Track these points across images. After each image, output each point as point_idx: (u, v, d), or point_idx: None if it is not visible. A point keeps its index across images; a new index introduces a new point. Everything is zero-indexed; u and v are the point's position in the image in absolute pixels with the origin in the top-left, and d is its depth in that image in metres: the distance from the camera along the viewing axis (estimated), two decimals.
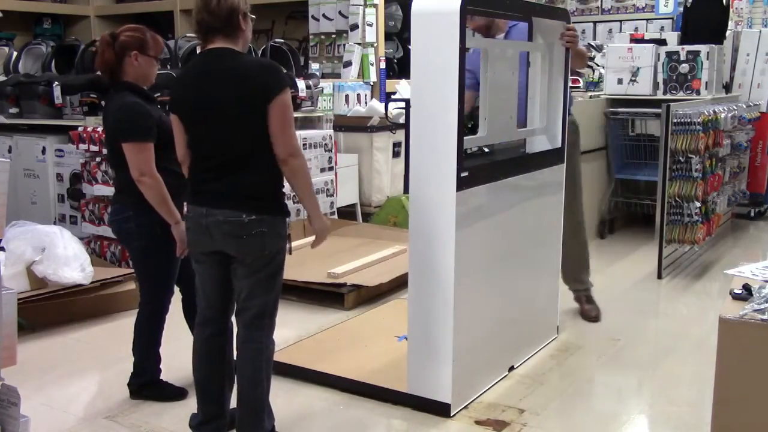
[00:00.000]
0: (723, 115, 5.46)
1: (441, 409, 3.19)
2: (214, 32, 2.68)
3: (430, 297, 3.13)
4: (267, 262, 2.76)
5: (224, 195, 2.71)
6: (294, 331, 4.22)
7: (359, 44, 7.40)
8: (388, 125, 6.61)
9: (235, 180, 2.70)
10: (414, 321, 3.21)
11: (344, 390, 3.43)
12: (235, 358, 2.88)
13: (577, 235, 4.33)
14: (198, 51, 2.85)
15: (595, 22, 10.26)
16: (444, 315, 3.12)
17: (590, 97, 6.84)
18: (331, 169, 6.38)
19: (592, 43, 8.96)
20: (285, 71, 2.71)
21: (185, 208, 2.87)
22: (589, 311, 4.44)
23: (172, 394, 3.42)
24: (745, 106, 6.30)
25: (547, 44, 3.85)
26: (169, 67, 5.39)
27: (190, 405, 3.36)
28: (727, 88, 6.83)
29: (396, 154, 6.83)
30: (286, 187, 2.81)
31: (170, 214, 3.17)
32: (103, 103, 5.34)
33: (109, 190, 5.09)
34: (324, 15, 7.70)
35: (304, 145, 6.12)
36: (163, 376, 3.47)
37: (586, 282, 4.50)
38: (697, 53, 6.08)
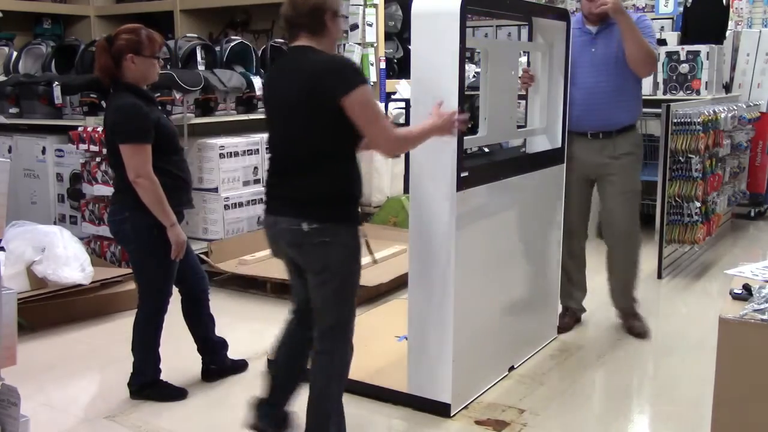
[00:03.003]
0: (723, 115, 5.46)
1: (441, 409, 3.19)
2: (298, 28, 2.62)
3: (430, 297, 3.13)
4: (335, 273, 2.63)
5: (287, 201, 2.63)
6: None
7: (359, 44, 7.40)
8: None
9: (297, 185, 2.60)
10: (414, 321, 3.21)
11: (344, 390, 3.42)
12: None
13: (633, 244, 4.19)
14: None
15: None
16: (444, 315, 3.12)
17: None
18: None
19: None
20: (357, 67, 2.63)
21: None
22: (637, 327, 4.20)
23: (172, 394, 3.42)
24: (745, 106, 6.30)
25: (547, 44, 3.85)
26: (169, 67, 5.38)
27: (190, 405, 3.37)
28: (727, 88, 6.83)
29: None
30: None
31: (166, 217, 3.17)
32: (103, 103, 5.35)
33: (109, 190, 5.09)
34: None
35: None
36: (163, 376, 3.47)
37: (635, 298, 4.29)
38: (697, 53, 6.08)
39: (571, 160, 4.06)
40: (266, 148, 2.79)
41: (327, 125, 2.55)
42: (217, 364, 3.62)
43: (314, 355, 2.75)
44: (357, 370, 3.45)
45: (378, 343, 3.89)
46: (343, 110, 2.51)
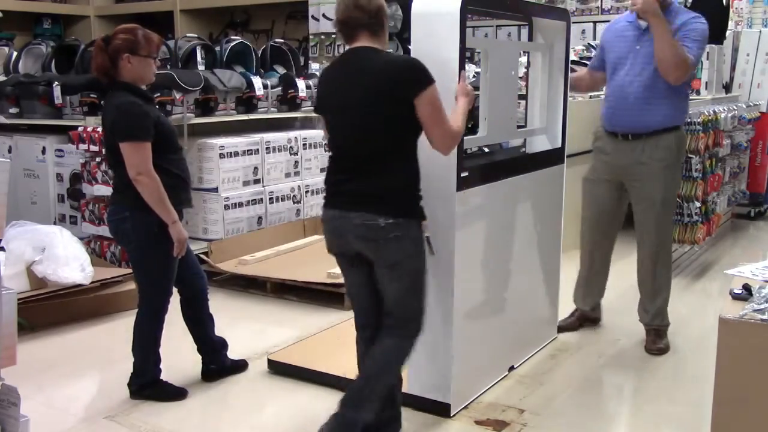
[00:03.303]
0: (723, 115, 5.47)
1: (441, 409, 3.19)
2: (361, 29, 2.67)
3: (431, 297, 3.13)
4: (407, 267, 2.70)
5: (360, 196, 2.67)
6: (294, 331, 4.23)
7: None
8: None
9: (372, 181, 2.66)
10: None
11: (344, 390, 3.41)
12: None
13: (660, 258, 3.99)
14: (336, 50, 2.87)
15: (595, 22, 10.24)
16: (444, 315, 3.12)
17: (590, 97, 6.83)
18: None
19: (592, 43, 8.96)
20: (425, 67, 2.68)
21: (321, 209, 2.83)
22: (653, 343, 4.00)
23: (172, 394, 3.42)
24: (745, 106, 6.30)
25: (547, 44, 3.85)
26: (169, 67, 5.38)
27: (190, 405, 3.37)
28: (727, 88, 6.83)
29: None
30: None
31: (167, 214, 3.18)
32: (103, 103, 5.35)
33: (109, 190, 5.08)
34: (324, 15, 7.70)
35: (304, 145, 6.13)
36: (163, 376, 3.47)
37: (665, 316, 4.08)
38: None
39: (599, 159, 4.01)
40: (325, 145, 2.81)
41: (400, 124, 2.64)
42: (217, 363, 3.62)
43: (383, 339, 2.78)
44: (354, 371, 3.45)
45: None
46: (414, 109, 2.60)
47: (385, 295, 2.76)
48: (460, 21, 2.93)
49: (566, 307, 4.40)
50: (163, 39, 3.50)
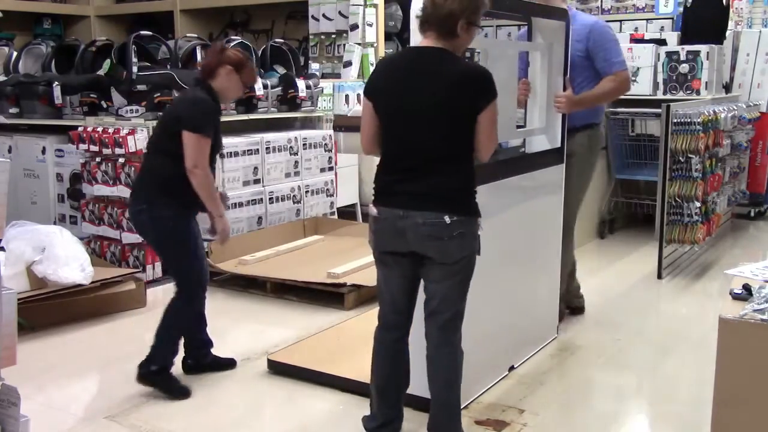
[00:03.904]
0: (723, 115, 5.46)
1: (418, 405, 3.17)
2: (429, 26, 2.67)
3: None
4: (464, 264, 2.75)
5: (424, 196, 2.69)
6: (294, 331, 4.23)
7: (359, 44, 7.41)
8: None
9: (437, 181, 2.68)
10: (414, 322, 3.20)
11: (344, 390, 3.43)
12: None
13: (565, 237, 4.13)
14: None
15: None
16: None
17: None
18: (331, 169, 6.38)
19: None
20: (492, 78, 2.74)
21: (370, 209, 2.80)
22: (575, 302, 4.40)
23: (176, 390, 3.43)
24: (745, 106, 6.30)
25: (546, 44, 3.85)
26: (169, 67, 5.38)
27: (190, 405, 3.37)
28: (727, 88, 6.83)
29: None
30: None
31: (215, 207, 3.36)
32: (103, 103, 5.35)
33: (109, 190, 5.10)
34: (324, 15, 7.71)
35: (304, 145, 6.13)
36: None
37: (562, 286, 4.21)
38: (697, 53, 6.08)
39: None
40: (379, 143, 2.78)
41: (464, 129, 2.68)
42: (194, 359, 3.64)
43: (436, 349, 2.80)
44: (358, 371, 3.47)
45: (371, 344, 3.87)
46: (477, 118, 2.65)
47: (434, 293, 2.78)
48: None
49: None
50: (255, 77, 3.77)
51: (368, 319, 4.32)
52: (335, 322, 4.31)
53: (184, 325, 3.49)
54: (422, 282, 2.82)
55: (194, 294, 3.48)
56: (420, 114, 2.67)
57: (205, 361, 3.66)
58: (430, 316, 2.80)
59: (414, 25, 2.79)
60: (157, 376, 3.41)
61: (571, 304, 4.40)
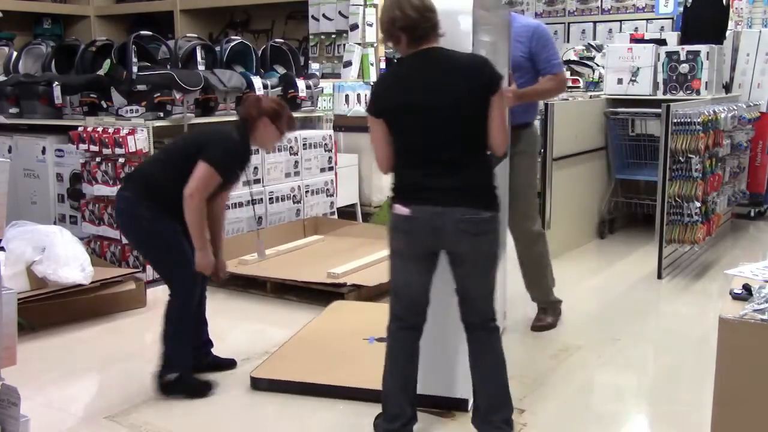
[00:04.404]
0: (723, 115, 5.46)
1: (456, 406, 3.20)
2: (425, 31, 2.73)
3: (442, 294, 3.09)
4: (495, 258, 2.82)
5: (460, 191, 2.72)
6: (294, 331, 4.22)
7: (359, 44, 7.41)
8: None
9: (468, 176, 2.73)
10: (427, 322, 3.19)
11: (345, 398, 3.36)
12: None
13: (536, 244, 4.18)
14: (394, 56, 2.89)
15: (595, 22, 10.26)
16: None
17: (590, 97, 6.85)
18: (331, 169, 6.38)
19: (592, 43, 8.97)
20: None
21: (396, 209, 2.79)
22: (537, 320, 4.24)
23: (201, 388, 3.45)
24: (745, 106, 6.30)
25: (491, 41, 3.84)
26: (169, 67, 5.38)
27: (190, 405, 3.37)
28: (727, 88, 6.83)
29: None
30: None
31: (199, 238, 3.30)
32: (103, 103, 5.35)
33: (109, 190, 5.10)
34: (324, 15, 7.71)
35: (304, 145, 6.13)
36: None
37: (544, 293, 4.28)
38: (697, 53, 6.08)
39: None
40: (399, 142, 2.79)
41: (484, 119, 2.73)
42: (195, 359, 3.57)
43: (483, 346, 2.87)
44: (354, 377, 3.43)
45: (353, 346, 3.82)
46: (490, 103, 2.72)
47: (468, 291, 2.82)
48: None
49: (567, 307, 4.39)
50: (295, 123, 3.74)
51: (321, 325, 4.20)
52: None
53: (186, 326, 3.46)
54: (454, 279, 2.85)
55: (186, 294, 3.42)
56: (446, 110, 2.71)
57: (206, 361, 3.66)
58: (468, 310, 2.86)
59: (400, 39, 2.76)
60: (179, 384, 3.39)
61: (545, 302, 4.31)
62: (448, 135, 2.72)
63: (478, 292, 2.84)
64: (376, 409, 3.00)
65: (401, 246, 2.82)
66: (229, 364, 3.72)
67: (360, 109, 7.00)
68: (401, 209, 2.76)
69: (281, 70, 6.30)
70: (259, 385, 3.49)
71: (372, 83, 2.90)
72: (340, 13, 7.58)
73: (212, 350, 3.72)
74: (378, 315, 4.28)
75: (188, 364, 3.44)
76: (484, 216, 2.72)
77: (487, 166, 2.79)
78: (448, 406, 3.21)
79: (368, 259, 5.17)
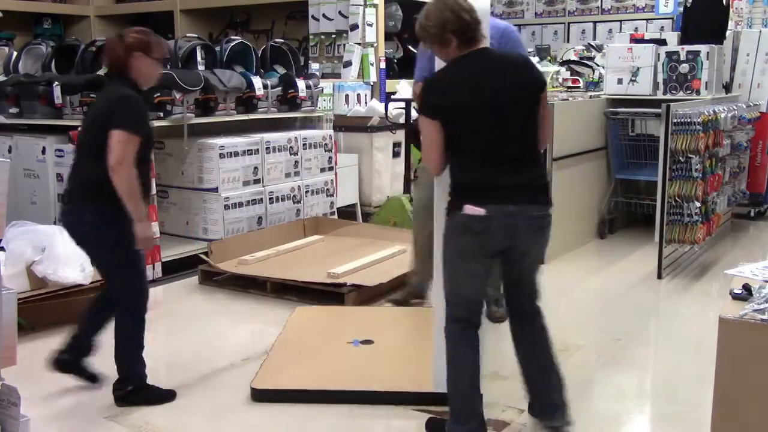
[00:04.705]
0: (723, 115, 5.46)
1: None
2: (477, 34, 2.80)
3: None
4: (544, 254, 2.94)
5: (532, 188, 2.80)
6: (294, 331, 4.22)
7: (359, 44, 7.40)
8: (388, 125, 6.61)
9: (533, 173, 2.82)
10: (440, 316, 3.18)
11: (353, 402, 3.32)
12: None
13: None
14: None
15: (595, 22, 10.27)
16: None
17: (590, 97, 6.85)
18: (331, 169, 6.38)
19: (592, 43, 8.97)
20: None
21: (467, 210, 2.75)
22: (493, 312, 4.24)
23: (162, 397, 3.38)
24: (745, 106, 6.29)
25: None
26: (169, 67, 5.38)
27: (190, 405, 3.37)
28: (727, 88, 6.83)
29: (396, 154, 6.83)
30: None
31: (136, 209, 3.13)
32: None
33: None
34: (324, 15, 7.70)
35: (304, 145, 6.13)
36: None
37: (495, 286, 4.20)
38: (697, 53, 6.08)
39: None
40: (464, 142, 2.79)
41: (536, 116, 2.84)
42: (69, 355, 3.48)
43: (539, 336, 2.98)
44: (355, 381, 3.42)
45: (340, 350, 3.79)
46: (539, 102, 2.84)
47: (526, 282, 2.93)
48: None
49: (566, 306, 4.39)
50: (169, 45, 3.55)
51: (295, 327, 4.14)
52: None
53: (137, 334, 3.34)
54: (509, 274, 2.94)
55: (132, 306, 3.32)
56: (510, 108, 2.77)
57: (76, 364, 3.50)
58: (524, 300, 2.95)
59: (450, 41, 2.79)
60: (137, 395, 3.33)
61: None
62: (513, 133, 2.78)
63: (534, 280, 2.93)
64: (377, 410, 3.01)
65: (472, 247, 2.79)
66: (92, 377, 3.53)
67: (360, 109, 6.99)
68: (475, 210, 2.73)
69: (281, 70, 6.30)
70: (261, 396, 3.37)
71: (424, 85, 2.89)
72: (340, 13, 7.57)
73: (90, 359, 3.53)
74: (345, 318, 4.33)
75: (143, 376, 3.36)
76: (549, 212, 2.82)
77: (543, 163, 2.92)
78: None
79: (368, 259, 5.17)
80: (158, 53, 3.31)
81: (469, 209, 2.73)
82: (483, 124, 2.76)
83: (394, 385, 3.38)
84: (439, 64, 3.00)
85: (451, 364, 2.89)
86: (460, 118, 2.76)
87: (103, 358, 3.45)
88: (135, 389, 3.35)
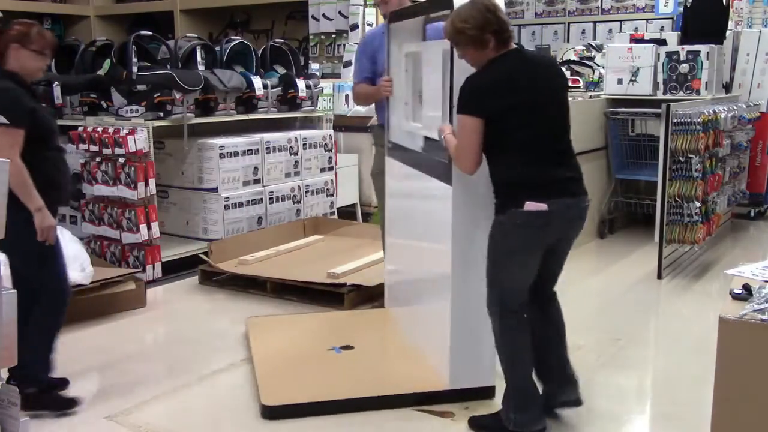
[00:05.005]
0: (723, 115, 5.46)
1: (485, 394, 3.27)
2: (511, 34, 2.87)
3: (478, 282, 3.12)
4: None
5: (577, 181, 2.92)
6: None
7: (359, 44, 7.40)
8: None
9: (575, 165, 2.94)
10: (457, 315, 3.21)
11: (367, 409, 3.25)
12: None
13: None
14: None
15: (595, 22, 10.25)
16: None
17: (590, 97, 6.84)
18: (331, 169, 6.38)
19: (592, 43, 8.96)
20: None
21: (529, 206, 2.79)
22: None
23: (63, 404, 3.28)
24: (745, 106, 6.30)
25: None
26: (169, 67, 5.38)
27: (190, 405, 3.37)
28: (727, 88, 6.83)
29: None
30: None
31: (31, 199, 3.05)
32: (104, 103, 5.35)
33: (109, 190, 5.10)
34: (324, 15, 7.70)
35: (304, 145, 6.13)
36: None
37: None
38: (697, 53, 6.08)
39: (380, 152, 4.42)
40: (518, 139, 2.84)
41: (568, 111, 2.97)
42: (28, 382, 3.16)
43: (558, 309, 3.18)
44: (368, 386, 3.35)
45: (326, 359, 3.70)
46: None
47: (559, 269, 3.09)
48: None
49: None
50: (56, 40, 3.49)
51: (265, 338, 3.98)
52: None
53: (46, 335, 3.24)
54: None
55: (54, 304, 3.23)
56: (555, 104, 2.90)
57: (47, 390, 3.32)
58: (550, 286, 3.12)
59: (488, 41, 2.82)
60: (37, 400, 3.21)
61: None
62: (558, 128, 2.90)
63: (560, 268, 3.11)
64: (380, 416, 3.01)
65: (532, 242, 2.86)
66: (59, 384, 3.44)
67: (360, 109, 6.99)
68: (537, 205, 2.78)
69: (281, 70, 6.29)
70: (275, 413, 3.19)
71: (468, 87, 2.86)
72: (340, 13, 7.57)
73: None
74: (306, 326, 4.22)
75: (44, 381, 3.27)
76: (589, 203, 2.95)
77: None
78: (474, 397, 3.26)
79: (368, 259, 5.17)
80: (38, 45, 3.22)
81: (531, 205, 2.78)
82: (535, 121, 2.83)
83: (404, 387, 3.33)
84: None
85: (513, 355, 2.97)
86: (514, 116, 2.80)
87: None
88: (36, 393, 3.20)
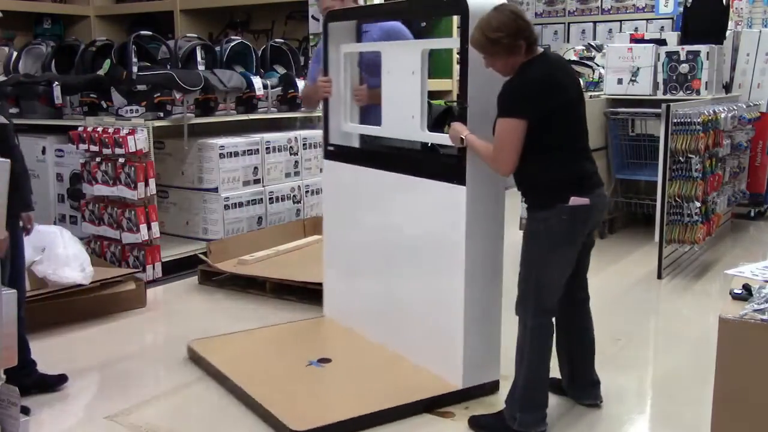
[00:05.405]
0: (723, 115, 5.46)
1: (492, 389, 3.34)
2: (536, 38, 2.95)
3: (482, 281, 3.20)
4: None
5: (598, 173, 3.05)
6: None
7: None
8: None
9: (594, 160, 3.06)
10: (470, 314, 3.22)
11: (387, 422, 3.15)
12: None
13: None
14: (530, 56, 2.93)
15: (595, 22, 10.27)
16: (493, 297, 3.28)
17: (590, 97, 6.84)
18: None
19: (592, 43, 8.97)
20: None
21: (574, 201, 2.86)
22: None
23: (55, 380, 3.33)
24: (745, 106, 6.30)
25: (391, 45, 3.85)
26: (169, 67, 5.38)
27: (190, 405, 3.37)
28: (727, 88, 6.83)
29: None
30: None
31: None
32: (103, 103, 5.35)
33: (109, 190, 5.10)
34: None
35: (304, 145, 6.13)
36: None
37: None
38: (697, 53, 6.07)
39: None
40: (559, 139, 2.94)
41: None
42: (15, 380, 3.29)
43: (588, 309, 3.29)
44: (361, 403, 3.21)
45: (310, 376, 3.54)
46: None
47: (587, 267, 3.18)
48: None
49: None
50: None
51: (224, 361, 3.70)
52: None
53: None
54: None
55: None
56: (582, 102, 3.02)
57: (30, 381, 3.34)
58: (583, 287, 3.21)
59: (518, 46, 2.85)
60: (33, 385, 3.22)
61: None
62: (585, 124, 3.03)
63: (588, 264, 3.19)
64: (416, 421, 3.07)
65: (574, 236, 2.95)
66: (57, 381, 3.45)
67: None
68: (580, 200, 2.88)
69: (281, 70, 6.30)
70: None
71: (509, 90, 2.91)
72: None
73: (37, 368, 3.43)
74: (259, 343, 3.94)
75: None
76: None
77: None
78: (482, 393, 3.31)
79: None
80: None
81: (576, 200, 2.87)
82: (573, 119, 2.96)
83: (414, 395, 3.26)
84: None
85: (536, 356, 2.99)
86: (556, 116, 2.87)
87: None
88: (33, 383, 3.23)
